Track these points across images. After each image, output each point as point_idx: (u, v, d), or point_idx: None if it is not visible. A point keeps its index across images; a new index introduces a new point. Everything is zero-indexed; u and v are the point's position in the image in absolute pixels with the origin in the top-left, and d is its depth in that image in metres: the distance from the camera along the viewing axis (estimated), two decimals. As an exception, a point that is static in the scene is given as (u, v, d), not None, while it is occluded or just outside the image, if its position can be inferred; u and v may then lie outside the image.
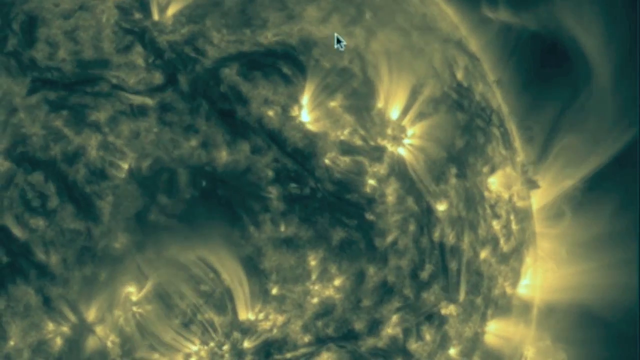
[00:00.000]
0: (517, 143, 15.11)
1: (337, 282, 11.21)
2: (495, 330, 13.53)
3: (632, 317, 16.31)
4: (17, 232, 10.59)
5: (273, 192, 10.96)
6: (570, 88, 16.31)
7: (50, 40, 11.26)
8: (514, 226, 13.95)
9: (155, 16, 11.54)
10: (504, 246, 13.53)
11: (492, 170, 13.50)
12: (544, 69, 16.47)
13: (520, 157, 14.87)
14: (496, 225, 13.34)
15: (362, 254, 11.28)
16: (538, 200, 15.31)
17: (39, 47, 11.24)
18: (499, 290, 13.42)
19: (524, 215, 14.33)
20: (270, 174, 10.99)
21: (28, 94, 10.91)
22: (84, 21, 11.37)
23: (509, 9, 16.13)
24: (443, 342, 12.32)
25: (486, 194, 13.22)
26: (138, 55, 11.23)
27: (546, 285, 15.12)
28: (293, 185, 11.04)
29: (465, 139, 12.93)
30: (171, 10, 11.61)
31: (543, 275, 15.12)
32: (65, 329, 10.63)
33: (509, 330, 13.87)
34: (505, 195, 13.74)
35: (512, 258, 13.78)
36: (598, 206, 15.98)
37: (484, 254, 12.96)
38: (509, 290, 13.77)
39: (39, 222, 10.60)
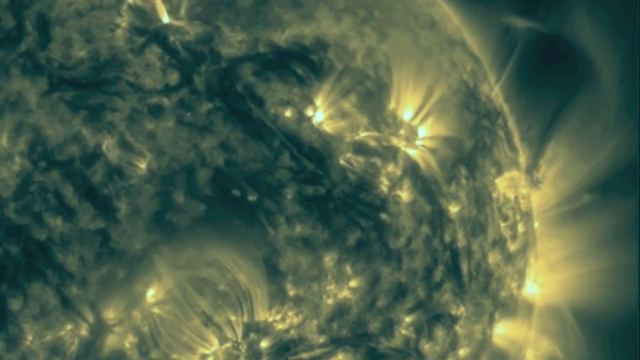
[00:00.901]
0: (518, 144, 15.34)
1: (352, 282, 11.41)
2: (502, 332, 13.78)
3: (632, 322, 16.49)
4: (34, 231, 10.71)
5: (289, 192, 11.15)
6: (570, 88, 16.51)
7: (64, 39, 11.39)
8: (519, 227, 14.20)
9: (170, 16, 11.68)
10: (511, 247, 13.78)
11: (499, 171, 13.74)
12: (544, 69, 16.65)
13: (523, 158, 15.10)
14: (504, 226, 13.59)
15: (377, 255, 11.49)
16: (537, 201, 15.52)
17: (54, 46, 11.36)
18: (506, 292, 13.67)
19: (527, 217, 14.59)
20: (287, 174, 11.17)
21: (44, 94, 11.03)
22: (99, 20, 11.50)
23: (509, 10, 16.33)
24: (454, 343, 12.55)
25: (494, 195, 13.46)
26: (153, 55, 11.38)
27: (546, 287, 15.33)
28: (309, 185, 11.22)
29: (473, 139, 13.17)
30: (185, 10, 11.75)
31: (543, 277, 15.34)
32: (82, 329, 10.76)
33: (514, 332, 14.11)
34: (511, 197, 13.99)
35: (518, 259, 14.03)
36: (597, 208, 16.16)
37: (493, 255, 13.20)
38: (515, 291, 14.02)
39: (57, 222, 10.73)
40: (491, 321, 13.38)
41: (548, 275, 15.42)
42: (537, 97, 16.28)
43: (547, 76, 16.74)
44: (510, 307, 13.92)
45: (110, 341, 10.79)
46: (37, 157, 10.87)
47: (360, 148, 11.72)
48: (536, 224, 15.42)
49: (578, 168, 15.99)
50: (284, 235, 11.08)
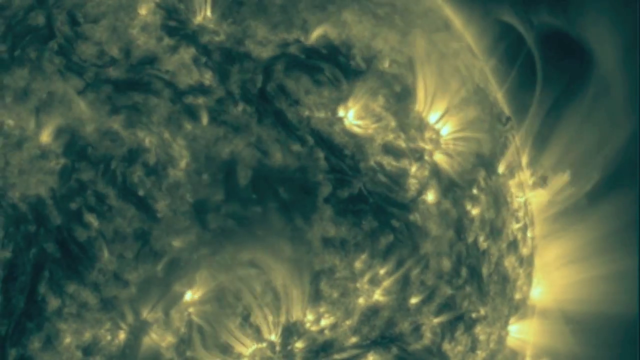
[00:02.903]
0: (521, 145, 15.81)
1: (384, 284, 11.84)
2: (515, 333, 14.30)
3: (632, 324, 16.96)
4: (73, 230, 10.97)
5: (323, 193, 11.54)
6: (570, 89, 16.94)
7: (97, 39, 11.66)
8: (529, 230, 14.72)
9: (201, 16, 12.01)
10: (523, 250, 14.30)
11: (511, 173, 14.24)
12: (544, 69, 17.05)
13: (525, 160, 15.58)
14: (517, 229, 14.09)
15: (407, 256, 11.93)
16: (538, 203, 15.97)
17: (87, 46, 11.63)
18: (519, 294, 14.19)
19: (533, 219, 15.11)
20: (321, 175, 11.56)
21: (81, 94, 11.30)
22: (130, 20, 11.79)
23: (509, 9, 16.75)
24: (473, 345, 13.04)
25: (508, 197, 13.96)
26: (187, 55, 11.70)
27: (545, 289, 15.79)
28: (342, 187, 11.64)
29: (490, 142, 13.65)
30: (216, 10, 12.09)
31: (543, 279, 15.82)
32: (120, 328, 11.03)
33: (525, 333, 14.64)
34: (522, 199, 14.51)
35: (528, 262, 14.56)
36: (598, 209, 16.60)
37: (508, 257, 13.71)
38: (526, 293, 14.55)
39: (96, 222, 11.00)
40: (506, 323, 13.88)
41: (548, 277, 15.85)
42: (537, 98, 16.67)
43: (548, 76, 17.13)
44: (522, 309, 14.44)
45: (148, 341, 11.08)
46: (75, 156, 11.13)
47: (390, 150, 12.15)
48: (537, 226, 15.89)
49: (576, 169, 16.40)
50: (319, 236, 11.46)
